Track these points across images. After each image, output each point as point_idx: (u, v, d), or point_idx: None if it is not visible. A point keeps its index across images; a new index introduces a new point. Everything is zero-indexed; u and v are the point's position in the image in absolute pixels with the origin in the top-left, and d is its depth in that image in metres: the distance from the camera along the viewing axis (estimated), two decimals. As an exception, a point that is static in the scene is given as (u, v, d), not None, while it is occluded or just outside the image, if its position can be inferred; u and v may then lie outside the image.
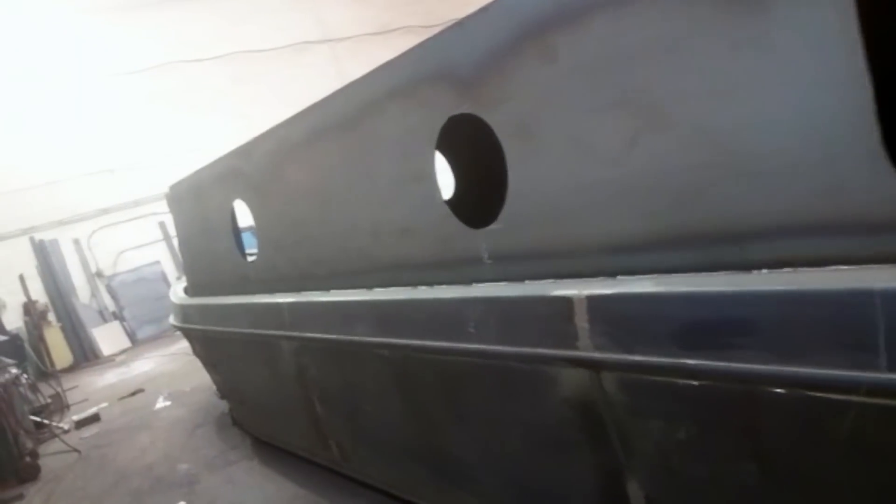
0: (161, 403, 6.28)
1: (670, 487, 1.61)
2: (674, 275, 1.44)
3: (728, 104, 1.31)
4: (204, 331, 4.22)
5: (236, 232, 3.74)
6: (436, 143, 2.07)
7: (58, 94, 11.40)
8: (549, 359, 1.71)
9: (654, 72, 1.42)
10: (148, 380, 7.73)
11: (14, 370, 5.69)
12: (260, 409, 4.06)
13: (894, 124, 1.32)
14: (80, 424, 6.27)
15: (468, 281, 2.04)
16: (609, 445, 1.68)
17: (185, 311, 4.48)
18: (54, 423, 6.21)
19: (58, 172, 11.30)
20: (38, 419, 6.18)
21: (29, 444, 5.31)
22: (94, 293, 11.80)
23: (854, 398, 1.12)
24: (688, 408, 1.44)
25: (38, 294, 10.89)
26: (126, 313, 11.68)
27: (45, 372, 8.76)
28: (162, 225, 12.21)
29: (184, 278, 5.59)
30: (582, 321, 1.59)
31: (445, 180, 2.12)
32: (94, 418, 6.36)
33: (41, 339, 8.64)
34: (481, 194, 2.29)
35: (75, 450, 5.37)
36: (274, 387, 3.58)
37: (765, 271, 1.27)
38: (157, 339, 11.19)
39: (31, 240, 11.29)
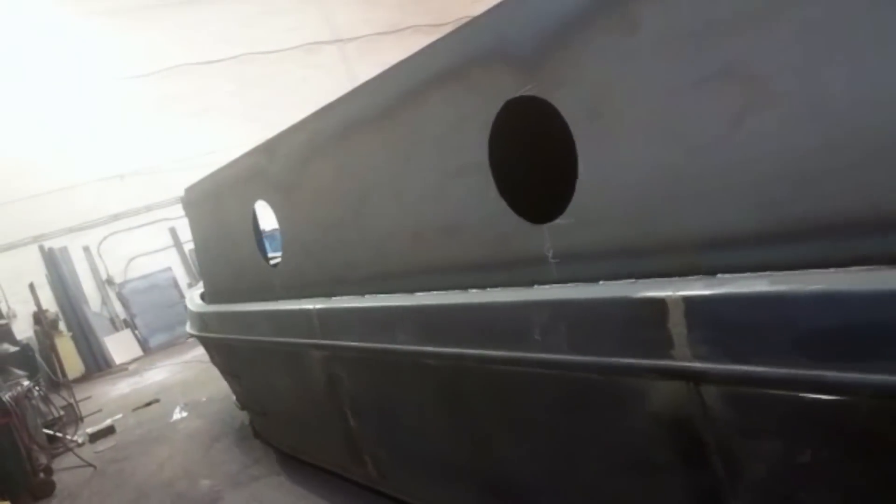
0: (177, 414, 6.10)
1: (786, 518, 1.40)
2: (796, 272, 1.23)
3: (858, 72, 1.11)
4: (223, 339, 4.03)
5: (258, 235, 3.55)
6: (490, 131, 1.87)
7: (66, 99, 11.27)
8: (635, 369, 1.50)
9: (763, 37, 1.22)
10: (162, 389, 7.55)
11: (26, 382, 5.52)
12: (285, 421, 3.86)
13: None
14: (95, 437, 6.09)
15: (528, 283, 1.84)
16: (708, 467, 1.47)
17: (202, 319, 4.30)
18: (68, 437, 6.03)
19: (66, 179, 11.18)
20: (50, 432, 6.00)
21: (42, 460, 5.14)
22: (105, 301, 11.66)
23: None
24: (818, 427, 1.23)
25: (48, 303, 10.73)
26: (138, 321, 11.53)
27: (57, 382, 8.60)
28: (172, 231, 12.07)
29: (199, 285, 5.42)
30: (678, 326, 1.39)
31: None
32: (109, 431, 6.19)
33: (52, 348, 8.48)
34: (541, 187, 2.09)
35: (90, 464, 5.19)
36: (301, 398, 3.38)
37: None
38: (169, 347, 11.03)
39: (41, 248, 11.16)
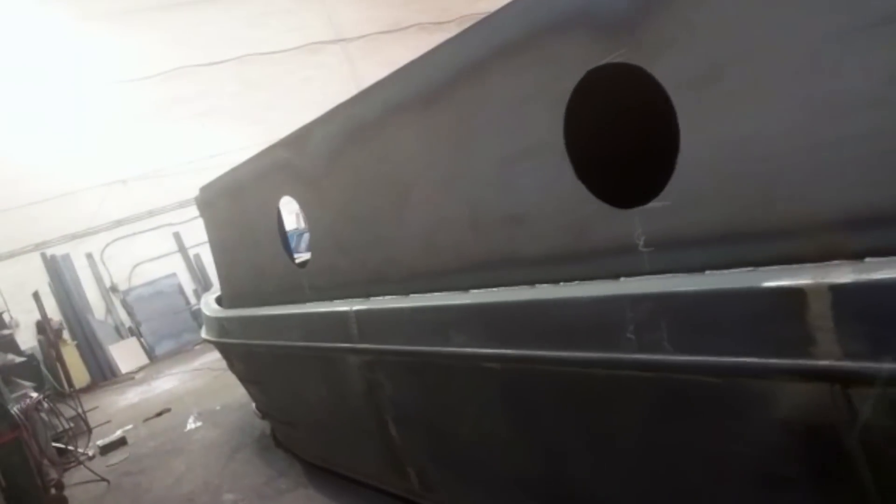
0: (192, 424, 5.88)
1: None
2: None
3: None
4: (245, 345, 3.82)
5: (283, 233, 3.35)
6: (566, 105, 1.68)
7: (65, 103, 11.06)
8: (762, 370, 1.30)
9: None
10: (173, 398, 7.34)
11: (34, 394, 5.30)
12: (314, 431, 3.65)
13: None
14: (106, 450, 5.88)
15: (611, 275, 1.64)
16: (854, 483, 1.27)
17: (221, 324, 4.09)
18: (79, 450, 5.82)
19: (68, 185, 10.96)
20: (60, 445, 5.79)
21: (53, 474, 4.93)
22: (110, 309, 11.44)
23: None
24: None
25: (51, 312, 10.49)
26: (143, 328, 11.31)
27: (63, 393, 8.38)
28: (177, 235, 11.86)
29: (210, 290, 5.22)
30: (821, 320, 1.19)
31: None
32: (121, 442, 5.97)
33: (58, 358, 8.26)
34: (617, 168, 1.90)
35: (104, 479, 4.97)
36: (334, 406, 3.18)
37: None
38: (176, 354, 10.82)
39: (43, 255, 10.95)
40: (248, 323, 3.71)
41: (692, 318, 1.42)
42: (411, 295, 2.37)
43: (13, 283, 10.31)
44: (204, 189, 4.10)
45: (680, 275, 1.47)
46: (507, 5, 1.79)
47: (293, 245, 6.58)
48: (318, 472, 3.69)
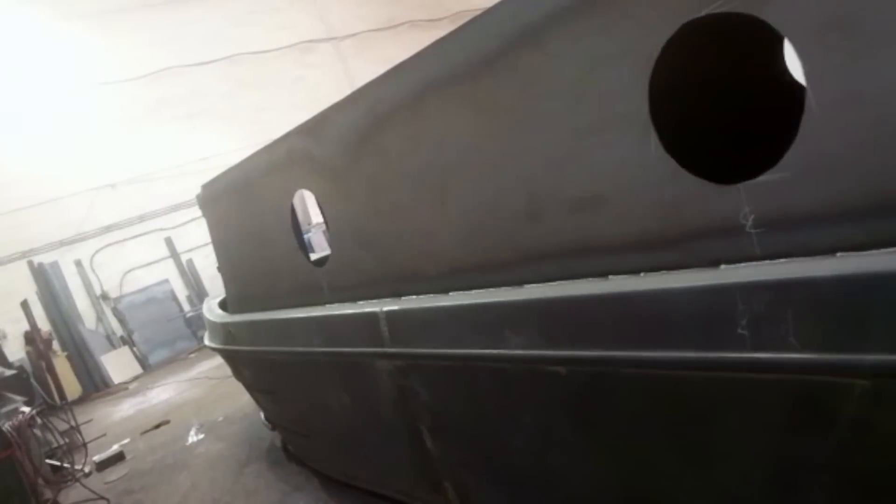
0: (193, 437, 5.60)
1: None
2: None
3: None
4: (255, 352, 3.57)
5: (297, 230, 3.10)
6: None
7: (51, 106, 10.73)
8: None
9: None
10: (171, 409, 7.04)
11: (26, 409, 5.01)
12: (333, 442, 3.40)
13: None
14: (103, 466, 5.59)
15: (709, 262, 1.41)
16: None
17: (227, 331, 3.83)
18: (74, 466, 5.52)
19: (55, 190, 10.61)
20: (55, 462, 5.49)
21: (48, 494, 4.65)
22: (101, 317, 11.10)
23: None
24: None
25: (40, 321, 10.17)
26: (136, 337, 10.98)
27: (55, 406, 8.07)
28: (168, 241, 11.54)
29: (211, 296, 4.96)
30: None
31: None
32: (119, 458, 5.68)
33: (49, 369, 7.94)
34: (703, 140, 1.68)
35: (102, 497, 4.69)
36: (358, 415, 2.93)
37: None
38: (171, 362, 10.51)
39: (30, 263, 10.60)
40: (259, 328, 3.46)
41: (827, 309, 1.20)
42: (451, 293, 2.13)
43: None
44: (206, 186, 3.84)
45: (804, 259, 1.25)
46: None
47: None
48: (338, 486, 3.44)
